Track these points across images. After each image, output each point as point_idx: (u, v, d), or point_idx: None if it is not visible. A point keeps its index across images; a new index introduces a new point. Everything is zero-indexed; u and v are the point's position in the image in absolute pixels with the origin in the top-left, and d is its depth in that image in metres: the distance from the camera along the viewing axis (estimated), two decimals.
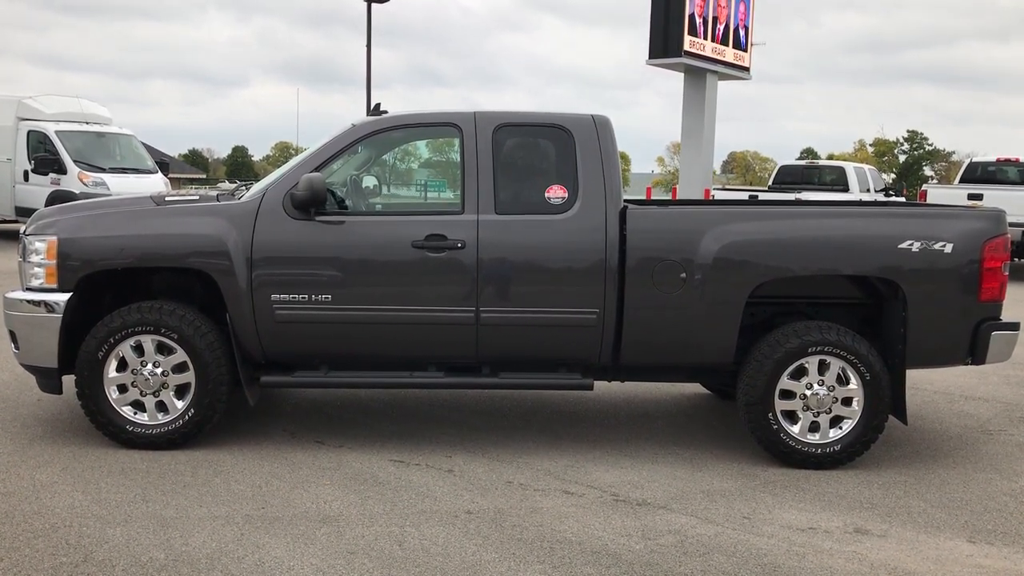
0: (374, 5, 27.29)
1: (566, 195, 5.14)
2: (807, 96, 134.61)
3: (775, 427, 5.05)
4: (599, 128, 5.26)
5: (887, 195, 20.70)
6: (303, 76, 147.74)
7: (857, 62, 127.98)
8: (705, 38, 20.20)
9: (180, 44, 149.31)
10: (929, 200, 16.66)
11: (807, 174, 20.70)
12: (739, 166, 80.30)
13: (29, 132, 17.06)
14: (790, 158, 45.56)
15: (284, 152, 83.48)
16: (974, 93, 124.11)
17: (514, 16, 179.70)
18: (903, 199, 21.54)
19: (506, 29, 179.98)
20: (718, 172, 73.22)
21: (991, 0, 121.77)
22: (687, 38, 19.49)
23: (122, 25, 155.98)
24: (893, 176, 65.94)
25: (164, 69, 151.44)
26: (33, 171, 16.88)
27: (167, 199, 5.50)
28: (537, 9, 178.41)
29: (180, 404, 5.09)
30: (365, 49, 26.87)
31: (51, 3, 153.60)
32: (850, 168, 20.41)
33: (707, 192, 19.64)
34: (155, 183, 17.44)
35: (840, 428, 5.08)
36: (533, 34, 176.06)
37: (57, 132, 16.89)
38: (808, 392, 5.05)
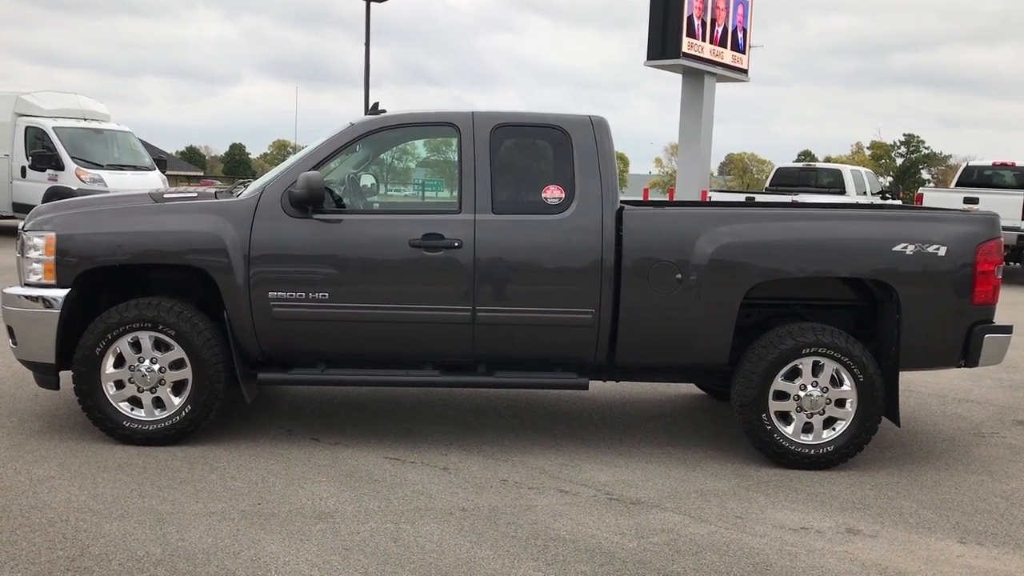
0: (367, 4, 27.31)
1: (563, 195, 5.16)
2: (796, 97, 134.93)
3: (769, 428, 5.08)
4: (596, 129, 5.28)
5: (883, 198, 20.76)
6: (294, 74, 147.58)
7: (844, 65, 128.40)
8: (703, 40, 20.24)
9: (169, 41, 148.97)
10: (925, 203, 16.72)
11: (804, 176, 20.75)
12: (736, 168, 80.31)
13: (27, 128, 17.06)
14: (787, 160, 45.69)
15: (282, 150, 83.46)
16: (962, 96, 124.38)
17: (500, 15, 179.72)
18: (900, 202, 21.60)
19: (494, 29, 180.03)
20: (716, 174, 73.22)
21: (973, 3, 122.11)
22: (685, 40, 19.53)
23: (111, 22, 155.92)
24: (890, 179, 65.99)
25: (154, 66, 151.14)
26: (30, 167, 16.88)
27: (165, 196, 5.52)
28: (522, 9, 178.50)
29: (177, 400, 5.11)
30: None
31: None
32: (847, 171, 20.47)
33: (704, 194, 19.68)
34: (153, 180, 17.45)
35: (833, 429, 5.11)
36: (522, 34, 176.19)
37: (55, 128, 16.88)
38: (802, 393, 5.07)
